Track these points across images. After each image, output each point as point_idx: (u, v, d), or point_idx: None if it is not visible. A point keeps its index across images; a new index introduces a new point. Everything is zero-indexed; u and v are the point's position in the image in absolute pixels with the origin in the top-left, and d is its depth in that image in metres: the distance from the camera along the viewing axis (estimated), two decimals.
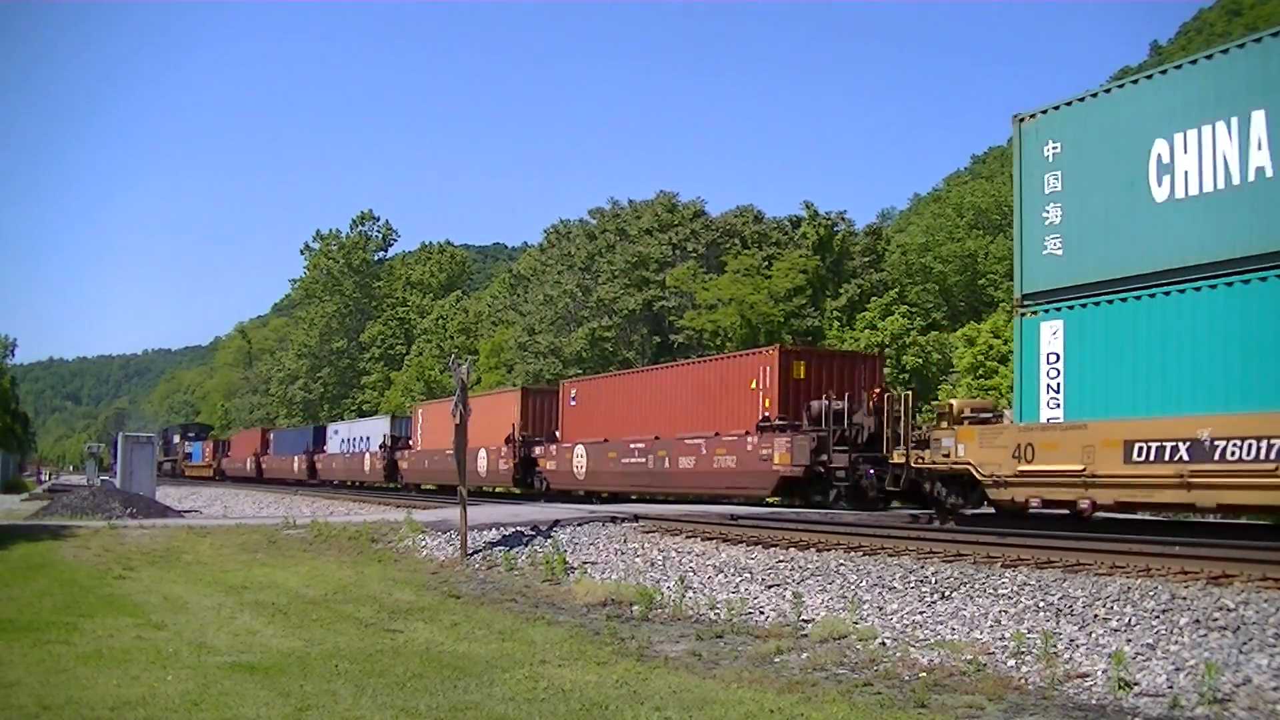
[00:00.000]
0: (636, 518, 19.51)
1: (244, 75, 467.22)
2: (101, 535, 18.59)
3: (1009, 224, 65.69)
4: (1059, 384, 15.73)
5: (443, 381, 64.33)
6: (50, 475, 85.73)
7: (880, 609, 10.75)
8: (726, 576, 13.30)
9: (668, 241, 54.69)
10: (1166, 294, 14.29)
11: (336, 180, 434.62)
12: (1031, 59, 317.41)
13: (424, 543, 17.82)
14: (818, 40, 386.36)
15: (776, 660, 9.02)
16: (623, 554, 15.90)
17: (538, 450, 32.41)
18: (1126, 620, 9.15)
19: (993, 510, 17.32)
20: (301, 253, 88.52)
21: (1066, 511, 16.05)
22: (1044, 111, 16.33)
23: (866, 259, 53.25)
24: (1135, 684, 7.63)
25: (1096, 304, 15.21)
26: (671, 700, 7.42)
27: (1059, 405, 15.69)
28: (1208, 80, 14.06)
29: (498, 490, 35.26)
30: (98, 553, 16.64)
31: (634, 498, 27.05)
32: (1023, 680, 8.05)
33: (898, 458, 18.90)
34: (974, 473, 16.67)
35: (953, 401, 19.53)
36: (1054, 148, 16.13)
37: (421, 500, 31.12)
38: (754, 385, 23.98)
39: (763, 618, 11.06)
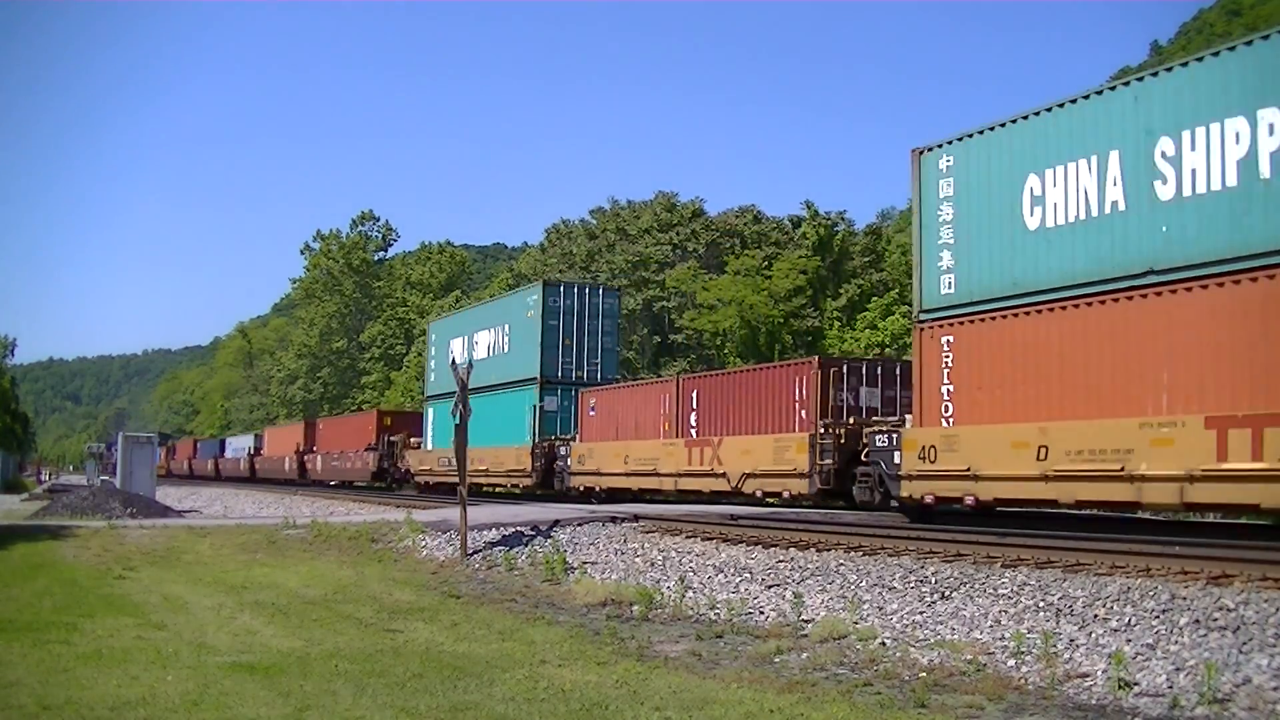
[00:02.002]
0: (637, 518, 19.51)
1: (244, 75, 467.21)
2: (101, 535, 18.59)
3: None
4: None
5: None
6: (50, 475, 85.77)
7: (880, 609, 10.74)
8: (726, 576, 13.30)
9: (668, 241, 54.69)
10: None
11: (336, 180, 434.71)
12: (1032, 59, 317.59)
13: (424, 543, 17.82)
14: (818, 40, 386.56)
15: (776, 660, 9.02)
16: (623, 554, 15.90)
17: (306, 457, 53.10)
18: (1126, 620, 9.15)
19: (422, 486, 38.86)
20: (301, 253, 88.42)
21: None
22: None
23: (867, 259, 53.24)
24: (1135, 684, 7.63)
25: None
26: (671, 700, 7.42)
27: (431, 437, 38.45)
28: None
29: (296, 480, 53.20)
30: (98, 553, 16.63)
31: (352, 483, 47.16)
32: (1023, 680, 8.04)
33: (408, 464, 40.48)
34: (412, 469, 39.51)
35: (413, 439, 40.71)
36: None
37: (421, 500, 31.34)
38: (369, 428, 44.65)
39: (763, 618, 11.06)
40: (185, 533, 19.20)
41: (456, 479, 31.22)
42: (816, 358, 22.62)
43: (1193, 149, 14.32)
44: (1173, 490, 14.21)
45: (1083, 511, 17.90)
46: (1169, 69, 15.08)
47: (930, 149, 18.49)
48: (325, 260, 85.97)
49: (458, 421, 18.49)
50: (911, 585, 11.47)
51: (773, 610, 11.28)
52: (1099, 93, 15.89)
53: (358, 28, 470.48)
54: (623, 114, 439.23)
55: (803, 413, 21.45)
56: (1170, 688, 7.50)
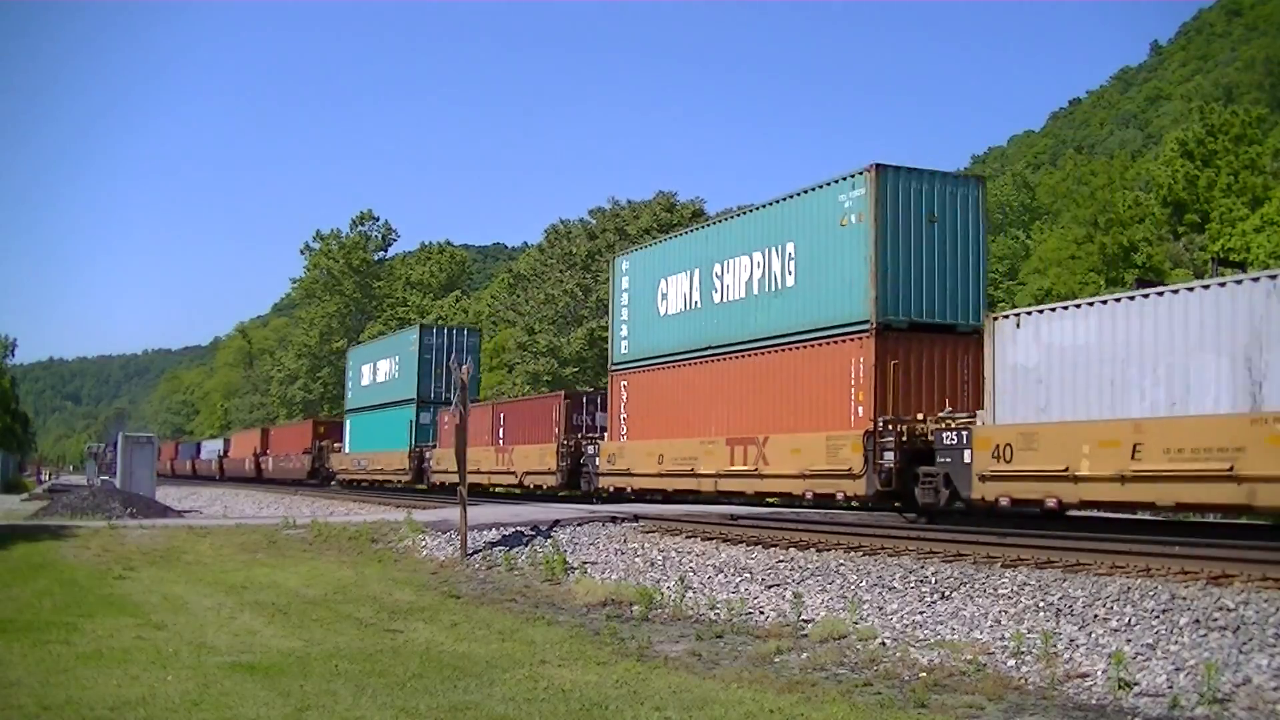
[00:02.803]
0: (637, 518, 19.52)
1: (244, 75, 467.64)
2: (101, 535, 18.59)
3: (1009, 223, 65.76)
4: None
5: None
6: (50, 475, 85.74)
7: (880, 609, 10.75)
8: (726, 576, 13.30)
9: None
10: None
11: (336, 180, 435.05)
12: (1031, 59, 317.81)
13: (424, 543, 17.82)
14: (817, 40, 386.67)
15: (776, 660, 9.02)
16: (623, 554, 15.91)
17: (260, 459, 58.30)
18: (1126, 620, 9.15)
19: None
20: (301, 253, 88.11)
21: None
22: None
23: None
24: (1135, 684, 7.63)
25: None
26: (671, 700, 7.42)
27: (349, 442, 48.27)
28: None
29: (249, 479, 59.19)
30: (98, 553, 16.64)
31: (300, 481, 50.77)
32: (1023, 680, 8.05)
33: (332, 465, 48.07)
34: (334, 469, 46.76)
35: (337, 444, 45.88)
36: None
37: (420, 500, 31.38)
38: (306, 435, 50.73)
39: (763, 618, 11.06)
40: (185, 533, 19.20)
41: (365, 476, 43.76)
42: (563, 391, 34.35)
43: (728, 273, 22.69)
44: (713, 482, 22.46)
45: (1084, 512, 18.59)
46: (721, 220, 24.51)
47: (620, 254, 29.04)
48: (325, 260, 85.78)
49: (459, 422, 18.46)
50: (911, 585, 11.47)
51: (773, 610, 11.28)
52: (693, 230, 25.41)
53: (358, 28, 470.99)
54: (623, 114, 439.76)
55: (556, 429, 29.90)
56: (1170, 688, 7.50)
